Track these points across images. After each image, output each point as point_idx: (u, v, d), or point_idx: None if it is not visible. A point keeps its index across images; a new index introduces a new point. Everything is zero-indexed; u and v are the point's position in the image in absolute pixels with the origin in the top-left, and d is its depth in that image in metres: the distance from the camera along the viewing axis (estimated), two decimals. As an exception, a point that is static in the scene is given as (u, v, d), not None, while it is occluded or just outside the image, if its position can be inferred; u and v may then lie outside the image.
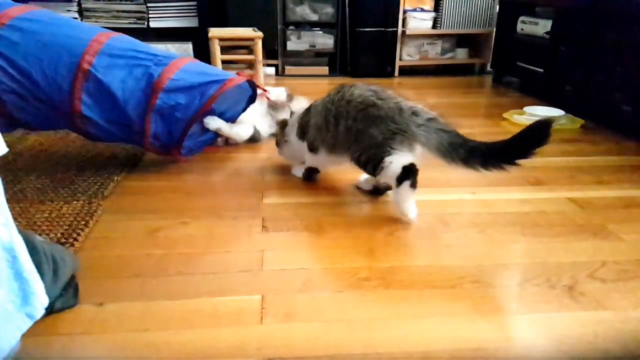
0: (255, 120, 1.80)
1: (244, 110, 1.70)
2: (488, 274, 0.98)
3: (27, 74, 1.26)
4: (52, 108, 1.33)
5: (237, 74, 1.53)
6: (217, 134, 1.66)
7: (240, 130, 1.72)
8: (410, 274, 0.97)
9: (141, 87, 1.32)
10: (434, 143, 1.12)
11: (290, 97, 1.95)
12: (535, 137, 1.02)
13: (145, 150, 1.47)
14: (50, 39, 1.30)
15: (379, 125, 1.16)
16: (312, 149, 1.34)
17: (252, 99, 1.67)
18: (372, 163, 1.18)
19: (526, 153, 1.03)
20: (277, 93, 1.91)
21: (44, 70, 1.27)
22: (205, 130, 1.59)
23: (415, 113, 1.15)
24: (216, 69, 1.52)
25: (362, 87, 1.23)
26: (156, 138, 1.40)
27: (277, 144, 1.52)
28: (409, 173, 1.15)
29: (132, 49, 1.37)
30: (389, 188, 1.31)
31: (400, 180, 1.15)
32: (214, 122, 1.58)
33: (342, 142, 1.24)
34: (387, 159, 1.15)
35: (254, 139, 1.78)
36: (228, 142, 1.76)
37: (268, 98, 1.83)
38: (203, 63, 1.53)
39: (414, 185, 1.15)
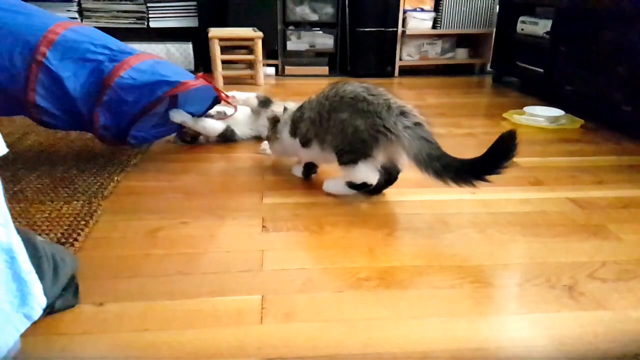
0: (235, 119, 1.77)
1: (207, 109, 1.68)
2: (488, 274, 0.98)
3: None
4: (9, 96, 1.34)
5: (197, 76, 1.50)
6: (181, 126, 1.66)
7: (206, 124, 1.69)
8: (410, 274, 0.97)
9: (91, 81, 1.35)
10: (414, 150, 1.14)
11: (265, 103, 1.80)
12: (502, 151, 1.04)
13: (97, 139, 1.53)
14: (5, 28, 1.30)
15: (366, 119, 1.18)
16: (305, 142, 1.34)
17: (217, 99, 1.65)
18: (349, 156, 1.22)
19: (496, 168, 1.05)
20: (246, 97, 1.76)
21: None
22: (169, 122, 1.60)
23: (403, 114, 1.18)
24: (173, 69, 1.49)
25: (355, 84, 1.26)
26: (106, 129, 1.44)
27: (268, 140, 1.52)
28: (361, 188, 1.26)
29: (88, 42, 1.37)
30: (386, 186, 1.33)
31: (351, 186, 1.26)
32: (179, 115, 1.59)
33: (332, 135, 1.25)
34: (361, 164, 1.21)
35: (227, 138, 1.76)
36: (209, 140, 1.77)
37: (229, 103, 1.73)
38: (163, 61, 1.52)
39: (355, 192, 1.28)
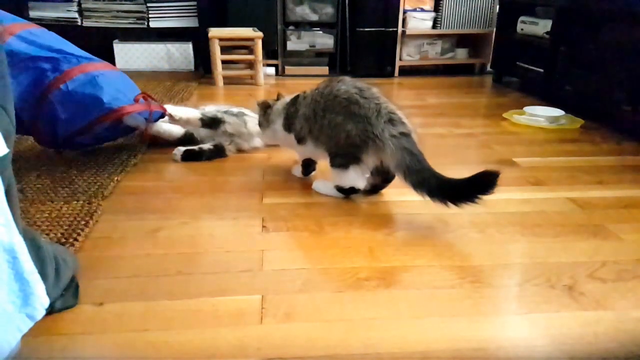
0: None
1: (157, 119, 1.63)
2: (488, 274, 0.98)
3: None
4: None
5: (136, 97, 1.47)
6: (135, 129, 1.64)
7: (161, 129, 1.64)
8: (410, 274, 0.97)
9: (31, 90, 1.37)
10: (394, 161, 1.16)
11: (211, 125, 1.64)
12: (481, 185, 1.07)
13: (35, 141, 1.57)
14: None
15: (357, 123, 1.19)
16: (300, 139, 1.34)
17: (162, 115, 1.62)
18: (340, 160, 1.24)
19: (471, 197, 1.08)
20: (187, 117, 1.62)
21: None
22: (122, 124, 1.56)
23: (391, 121, 1.18)
24: (116, 86, 1.46)
25: (349, 84, 1.26)
26: (46, 135, 1.48)
27: (260, 125, 1.52)
28: (349, 193, 1.30)
29: (33, 51, 1.37)
30: (384, 185, 1.34)
31: (339, 189, 1.30)
32: (132, 119, 1.56)
33: (325, 135, 1.25)
34: (352, 169, 1.23)
35: (188, 141, 1.67)
36: (169, 141, 1.70)
37: (146, 131, 1.61)
38: (109, 72, 1.49)
39: (343, 196, 1.31)
